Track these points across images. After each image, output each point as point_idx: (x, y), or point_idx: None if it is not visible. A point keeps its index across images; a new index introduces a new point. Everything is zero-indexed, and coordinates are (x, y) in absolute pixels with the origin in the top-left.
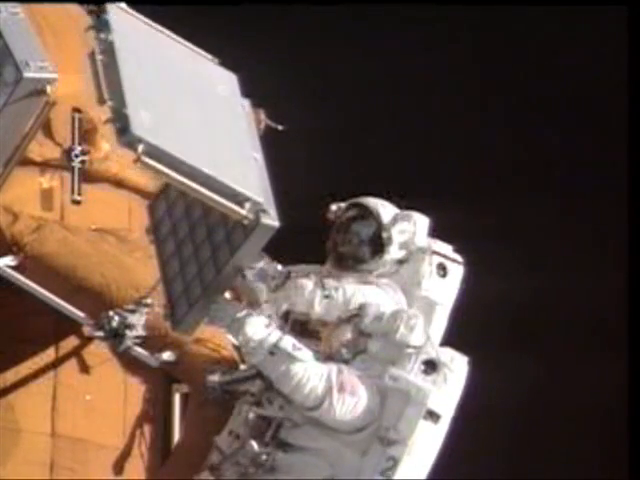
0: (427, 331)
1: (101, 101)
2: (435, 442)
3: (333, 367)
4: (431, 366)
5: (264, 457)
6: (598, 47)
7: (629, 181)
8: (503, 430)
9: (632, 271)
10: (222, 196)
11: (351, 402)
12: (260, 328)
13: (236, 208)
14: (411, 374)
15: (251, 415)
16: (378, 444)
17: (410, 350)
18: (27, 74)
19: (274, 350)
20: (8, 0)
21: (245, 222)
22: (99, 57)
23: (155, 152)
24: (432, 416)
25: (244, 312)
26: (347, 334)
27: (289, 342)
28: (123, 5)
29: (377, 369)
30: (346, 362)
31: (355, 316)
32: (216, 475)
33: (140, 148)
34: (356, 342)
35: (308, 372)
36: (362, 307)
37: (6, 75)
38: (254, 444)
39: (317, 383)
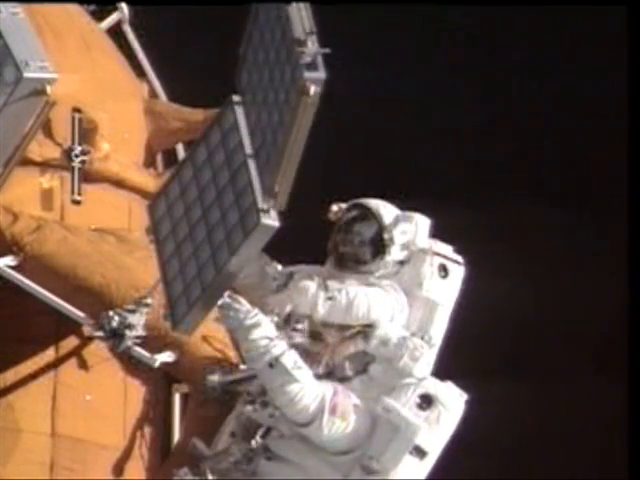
0: (430, 363)
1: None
2: (417, 477)
3: (329, 388)
4: (427, 401)
5: (245, 466)
6: (598, 47)
7: (629, 182)
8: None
9: (632, 274)
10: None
11: (341, 426)
12: (265, 338)
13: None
14: (405, 406)
15: (244, 414)
16: (360, 470)
17: (410, 380)
18: (27, 74)
19: (274, 363)
20: (8, 0)
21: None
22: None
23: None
24: (418, 452)
25: (254, 318)
26: (351, 348)
27: (291, 359)
28: None
29: (374, 392)
30: (346, 379)
31: (361, 333)
32: (196, 473)
33: (313, 90)
34: (359, 360)
35: (303, 391)
36: (370, 326)
37: (6, 75)
38: (238, 449)
39: (310, 402)
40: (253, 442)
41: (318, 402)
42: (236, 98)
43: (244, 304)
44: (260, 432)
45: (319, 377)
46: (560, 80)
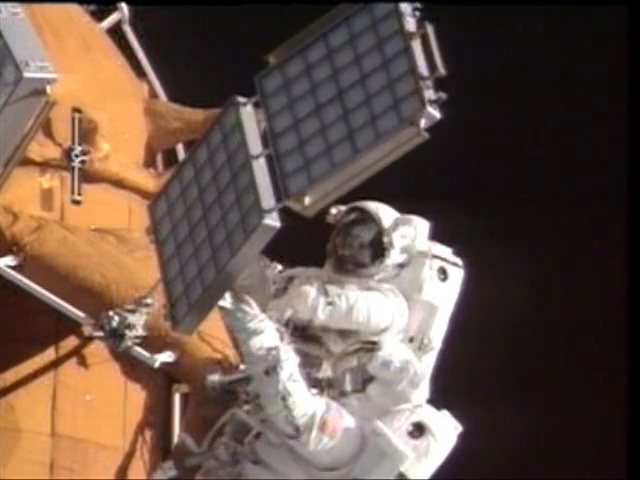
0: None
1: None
2: None
3: (322, 404)
4: (419, 429)
5: (230, 468)
6: (598, 47)
7: (629, 182)
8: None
9: (632, 275)
10: None
11: (328, 443)
12: (264, 346)
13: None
14: (396, 432)
15: (237, 414)
16: None
17: (406, 406)
18: (27, 74)
19: (270, 371)
20: (8, 0)
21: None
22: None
23: None
24: (403, 478)
25: (259, 324)
26: (354, 362)
27: (287, 370)
28: None
29: (369, 412)
30: (344, 394)
31: (363, 350)
32: (179, 468)
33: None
34: (359, 377)
35: (294, 404)
36: (375, 344)
37: (6, 75)
38: (226, 449)
39: (299, 416)
40: (242, 444)
41: (308, 417)
42: (239, 99)
43: (253, 307)
44: (250, 435)
45: (318, 382)
46: (560, 80)
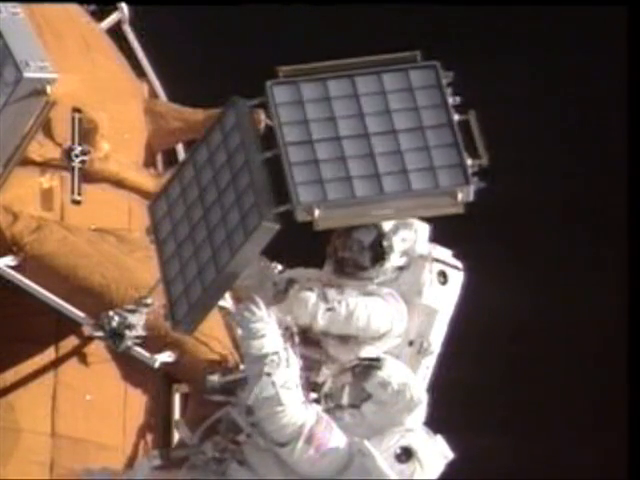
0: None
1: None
2: None
3: (313, 415)
4: (406, 454)
5: (215, 466)
6: (598, 47)
7: (629, 184)
8: None
9: (632, 278)
10: None
11: (313, 456)
12: (264, 350)
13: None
14: (383, 454)
15: (230, 413)
16: None
17: (398, 428)
18: (27, 74)
19: (266, 375)
20: (8, 0)
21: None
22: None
23: None
24: None
25: (263, 327)
26: (354, 377)
27: (282, 377)
28: None
29: (361, 430)
30: (339, 407)
31: (361, 367)
32: (164, 458)
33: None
34: (357, 392)
35: (284, 412)
36: (376, 362)
37: (6, 75)
38: (213, 445)
39: (287, 425)
40: (235, 443)
41: (296, 428)
42: (239, 99)
43: (261, 309)
44: (242, 435)
45: (316, 386)
46: (560, 80)
